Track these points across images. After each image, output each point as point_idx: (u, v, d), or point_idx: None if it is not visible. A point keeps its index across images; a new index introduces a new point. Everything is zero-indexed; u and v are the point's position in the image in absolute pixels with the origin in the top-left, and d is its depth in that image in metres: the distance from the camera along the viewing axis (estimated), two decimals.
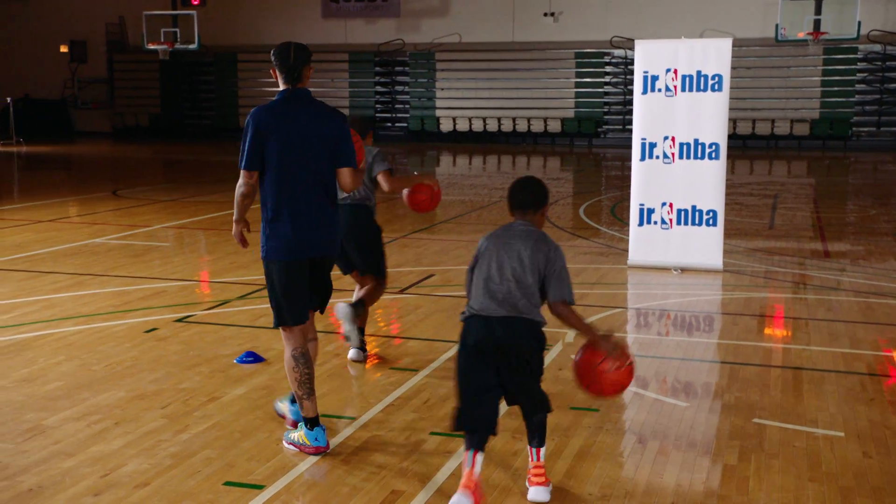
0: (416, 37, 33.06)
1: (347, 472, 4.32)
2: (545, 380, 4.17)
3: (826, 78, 29.43)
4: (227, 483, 4.19)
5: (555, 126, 31.54)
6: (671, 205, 9.18)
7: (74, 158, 26.26)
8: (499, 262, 3.88)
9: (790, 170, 23.37)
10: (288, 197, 4.31)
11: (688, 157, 9.09)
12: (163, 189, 17.44)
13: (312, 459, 4.45)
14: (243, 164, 4.32)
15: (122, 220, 12.82)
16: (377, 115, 33.25)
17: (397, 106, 33.79)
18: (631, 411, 5.18)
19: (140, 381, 5.60)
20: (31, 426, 4.86)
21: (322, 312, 4.76)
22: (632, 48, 28.42)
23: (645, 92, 9.17)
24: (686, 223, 9.12)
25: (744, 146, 29.29)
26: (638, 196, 9.32)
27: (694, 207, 9.14)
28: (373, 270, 5.90)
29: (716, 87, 8.95)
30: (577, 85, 31.65)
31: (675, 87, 9.04)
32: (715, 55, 8.94)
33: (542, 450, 4.05)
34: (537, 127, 31.68)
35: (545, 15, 31.50)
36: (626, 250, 9.69)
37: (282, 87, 4.44)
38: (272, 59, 4.41)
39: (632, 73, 29.59)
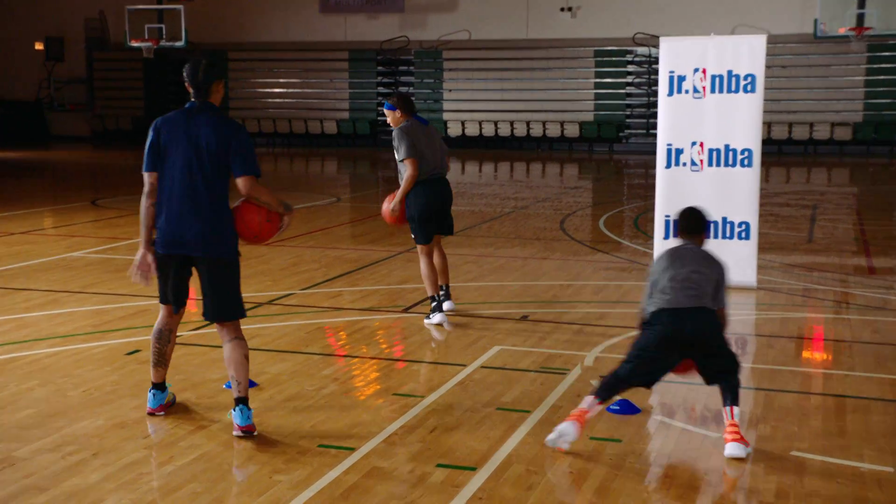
0: (422, 34, 33.20)
1: None
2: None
3: (870, 77, 29.43)
4: None
5: (572, 130, 31.61)
6: None
7: (50, 165, 26.41)
8: (684, 269, 5.04)
9: (830, 178, 23.34)
10: (167, 198, 5.17)
11: (718, 165, 9.09)
12: None
13: (307, 495, 4.44)
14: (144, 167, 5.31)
15: (101, 233, 12.87)
16: (379, 118, 33.37)
17: None
18: (657, 442, 5.16)
19: (120, 408, 5.61)
20: (1, 458, 4.86)
21: (209, 320, 5.21)
22: (656, 46, 28.39)
23: (671, 93, 9.18)
24: (716, 236, 9.10)
25: (779, 152, 29.28)
26: (663, 207, 9.31)
27: (725, 219, 9.13)
28: (451, 231, 7.93)
29: (748, 87, 8.96)
30: (597, 86, 31.74)
31: (704, 88, 9.04)
32: (747, 53, 8.94)
33: (737, 408, 4.94)
34: (553, 131, 31.76)
35: (562, 10, 31.60)
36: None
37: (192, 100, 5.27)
38: (183, 74, 5.23)
39: (656, 73, 29.56)
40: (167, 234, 5.18)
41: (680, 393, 5.98)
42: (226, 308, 5.23)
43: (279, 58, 34.63)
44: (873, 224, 14.35)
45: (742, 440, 4.92)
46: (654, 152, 9.87)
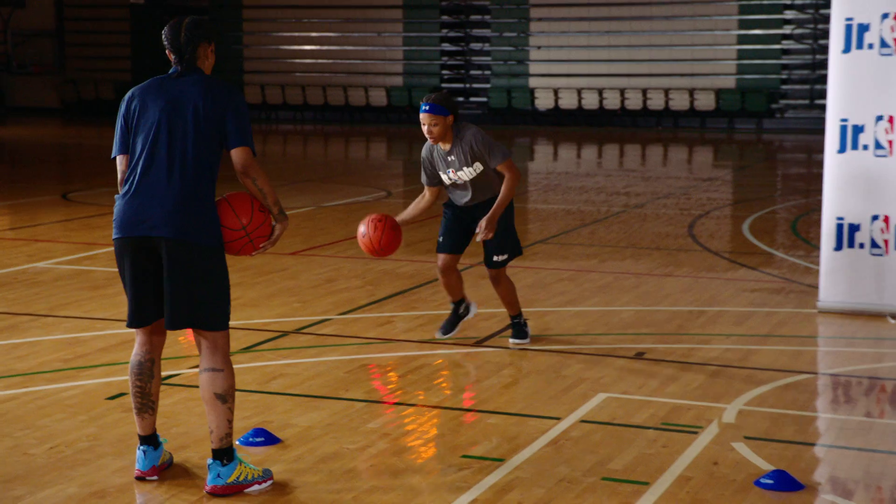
0: None
1: None
2: None
3: None
4: None
5: (706, 101, 31.36)
6: (887, 219, 9.06)
7: (7, 146, 26.90)
8: None
9: None
10: (132, 169, 5.31)
11: None
12: None
13: None
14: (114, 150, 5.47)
15: (75, 236, 13.07)
16: (443, 84, 33.50)
17: (473, 72, 34.02)
18: None
19: (99, 471, 5.65)
20: None
21: (171, 327, 5.27)
22: None
23: (847, 50, 9.08)
24: None
25: None
26: (834, 206, 9.21)
27: None
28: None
29: None
30: (741, 40, 31.45)
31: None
32: None
33: None
34: (679, 103, 31.54)
35: None
36: (816, 286, 9.57)
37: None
38: (162, 38, 5.42)
39: (826, 21, 29.32)
40: (126, 212, 5.29)
41: (860, 463, 5.87)
42: (201, 310, 5.24)
43: (310, 3, 34.94)
44: None
45: None
46: (821, 131, 9.76)
